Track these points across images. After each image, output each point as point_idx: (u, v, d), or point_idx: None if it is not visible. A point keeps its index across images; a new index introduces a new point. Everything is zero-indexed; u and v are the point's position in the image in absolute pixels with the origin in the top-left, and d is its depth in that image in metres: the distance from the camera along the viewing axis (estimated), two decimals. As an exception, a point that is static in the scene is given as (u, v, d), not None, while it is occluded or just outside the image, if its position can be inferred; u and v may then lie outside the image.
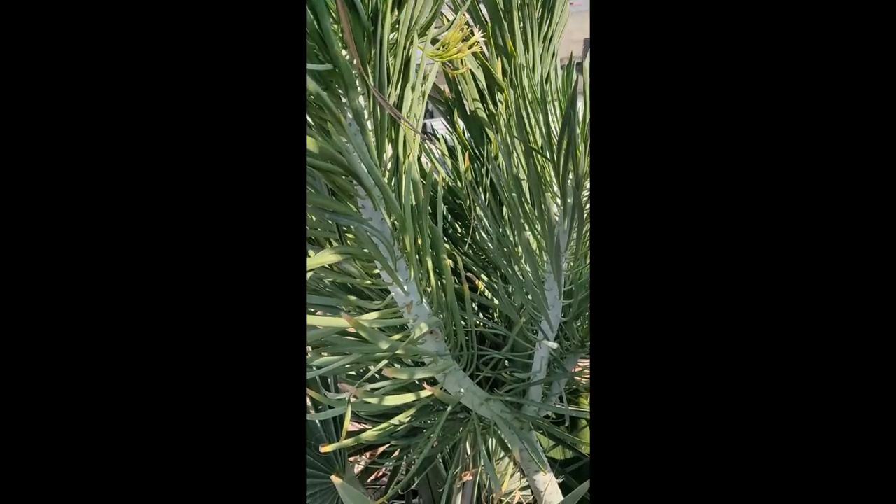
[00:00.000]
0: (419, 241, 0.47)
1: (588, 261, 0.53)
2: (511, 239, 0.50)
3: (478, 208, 0.58)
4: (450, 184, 0.59)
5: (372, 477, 1.08)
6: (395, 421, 0.52)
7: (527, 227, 0.46)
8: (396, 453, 0.82)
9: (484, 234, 0.56)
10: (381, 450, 0.90)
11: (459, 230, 0.61)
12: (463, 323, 0.55)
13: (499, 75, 0.52)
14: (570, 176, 0.41)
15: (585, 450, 1.00)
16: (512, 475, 0.96)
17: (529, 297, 0.51)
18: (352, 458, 0.96)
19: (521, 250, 0.49)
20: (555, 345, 0.49)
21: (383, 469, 1.08)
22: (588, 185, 0.46)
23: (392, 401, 0.43)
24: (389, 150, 0.44)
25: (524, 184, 0.50)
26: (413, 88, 0.44)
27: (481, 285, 0.58)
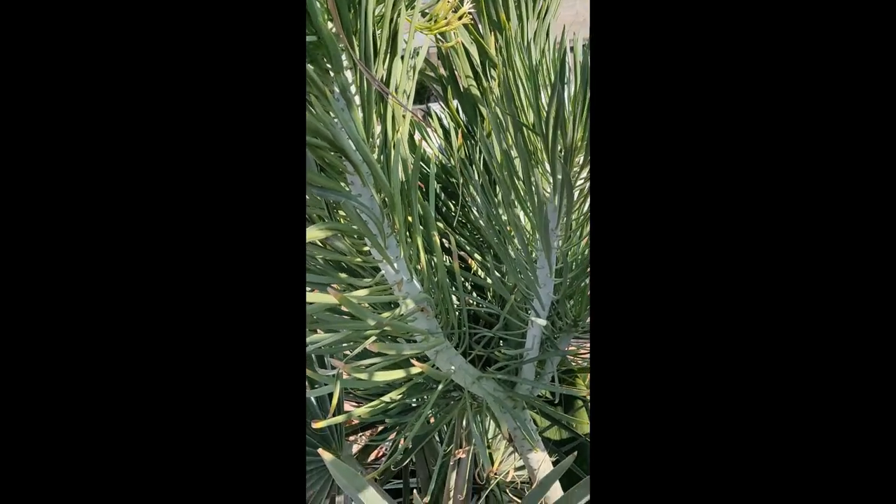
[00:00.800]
0: (409, 218, 0.47)
1: (580, 238, 0.53)
2: (503, 217, 0.50)
3: (470, 186, 0.58)
4: (443, 161, 0.58)
5: (372, 456, 1.10)
6: (386, 398, 0.52)
7: (517, 204, 0.46)
8: (394, 434, 0.83)
9: (476, 213, 0.55)
10: (379, 429, 0.91)
11: (453, 209, 0.61)
12: (455, 301, 0.55)
13: (492, 50, 0.51)
14: (560, 151, 0.41)
15: (581, 429, 1.01)
16: (509, 454, 0.97)
17: (521, 275, 0.51)
18: (352, 437, 0.97)
19: (511, 228, 0.48)
20: (544, 322, 0.49)
21: (382, 448, 1.09)
22: (579, 160, 0.45)
23: (382, 377, 0.44)
24: (378, 126, 0.43)
25: (516, 162, 0.50)
26: (403, 61, 0.43)
27: (474, 264, 0.58)
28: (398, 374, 0.45)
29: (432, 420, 0.70)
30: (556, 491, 0.71)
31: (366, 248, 0.46)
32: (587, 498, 0.47)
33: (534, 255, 0.51)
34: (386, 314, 0.44)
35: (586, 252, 0.55)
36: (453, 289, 0.52)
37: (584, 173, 0.47)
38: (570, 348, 0.70)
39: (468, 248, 0.60)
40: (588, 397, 1.00)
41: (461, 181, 0.60)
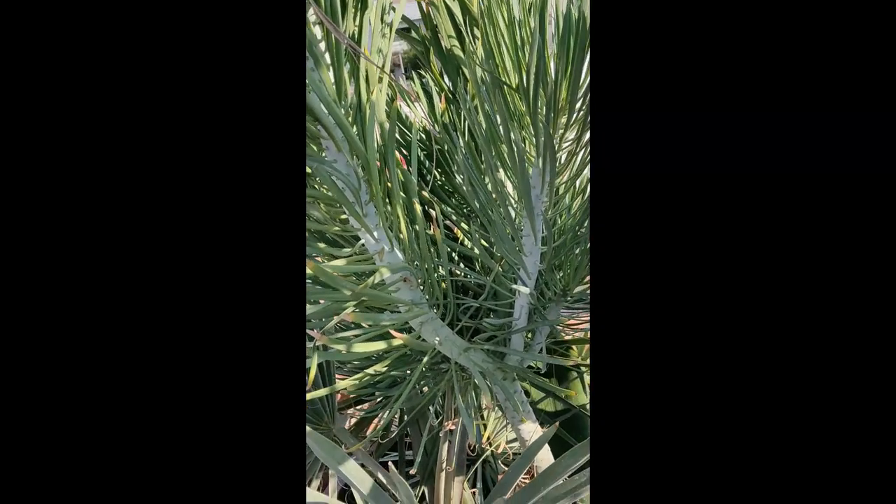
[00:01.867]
0: (389, 185, 0.46)
1: (567, 205, 0.51)
2: (487, 184, 0.48)
3: (455, 153, 0.56)
4: (426, 128, 0.56)
5: (369, 430, 1.10)
6: (370, 371, 0.51)
7: (500, 167, 0.44)
8: (388, 414, 0.83)
9: (460, 178, 0.54)
10: (376, 401, 0.91)
11: (439, 177, 0.59)
12: (440, 272, 0.53)
13: (474, 7, 0.49)
14: (541, 109, 0.39)
15: (575, 400, 1.01)
16: (503, 426, 0.97)
17: (505, 244, 0.49)
18: (349, 411, 0.97)
19: (496, 195, 0.47)
20: (528, 290, 0.48)
21: (376, 422, 1.09)
22: (563, 121, 0.43)
23: (361, 348, 0.43)
24: (352, 88, 0.41)
25: (501, 127, 0.48)
26: (382, 19, 0.41)
27: (460, 234, 0.57)
28: (378, 345, 0.44)
29: (425, 390, 0.69)
30: (548, 459, 0.71)
31: (343, 217, 0.45)
32: (579, 463, 0.47)
33: (519, 222, 0.49)
34: (367, 282, 0.42)
35: (573, 221, 0.53)
36: (438, 259, 0.50)
37: (571, 135, 0.45)
38: (566, 324, 0.69)
39: (454, 217, 0.58)
40: (581, 367, 0.99)
41: (445, 148, 0.58)
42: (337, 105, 0.37)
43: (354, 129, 0.41)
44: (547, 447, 0.77)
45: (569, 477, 0.54)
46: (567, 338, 0.97)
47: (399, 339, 0.40)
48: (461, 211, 0.60)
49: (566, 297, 0.59)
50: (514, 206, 0.49)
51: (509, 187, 0.49)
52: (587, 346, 1.00)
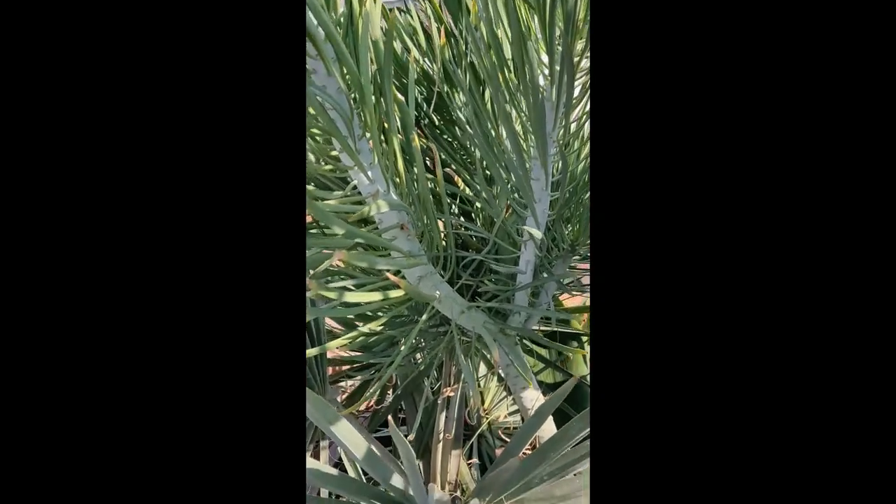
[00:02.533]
0: (385, 122, 0.41)
1: (579, 147, 0.47)
2: (492, 119, 0.44)
3: (456, 95, 0.52)
4: (424, 67, 0.52)
5: (363, 407, 1.06)
6: (365, 329, 0.47)
7: (508, 99, 0.40)
8: (384, 375, 0.79)
9: (464, 119, 0.49)
10: (365, 376, 0.87)
11: (437, 122, 0.54)
12: (441, 225, 0.49)
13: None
14: (559, 23, 0.35)
15: (576, 371, 0.98)
16: (500, 399, 0.94)
17: (513, 190, 0.45)
18: (342, 384, 0.93)
19: (503, 131, 0.42)
20: (539, 234, 0.44)
21: (372, 399, 1.06)
22: (580, 47, 0.39)
23: (354, 297, 0.38)
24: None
25: (507, 51, 0.43)
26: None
27: (461, 183, 0.52)
28: (374, 296, 0.39)
29: (420, 359, 0.66)
30: (549, 430, 0.67)
31: (334, 153, 0.40)
32: (585, 433, 0.43)
33: (528, 165, 0.45)
34: (363, 230, 0.38)
35: (584, 166, 0.49)
36: (438, 206, 0.46)
37: (585, 63, 0.41)
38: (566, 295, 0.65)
39: (454, 166, 0.54)
40: (583, 337, 0.96)
41: (445, 90, 0.53)
42: (325, 10, 0.32)
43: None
44: (550, 417, 0.74)
45: (576, 445, 0.50)
46: (567, 305, 0.94)
47: (396, 283, 0.36)
48: (461, 162, 0.56)
49: (574, 253, 0.55)
50: (523, 145, 0.44)
51: (517, 125, 0.44)
52: (586, 316, 0.97)
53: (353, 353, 0.73)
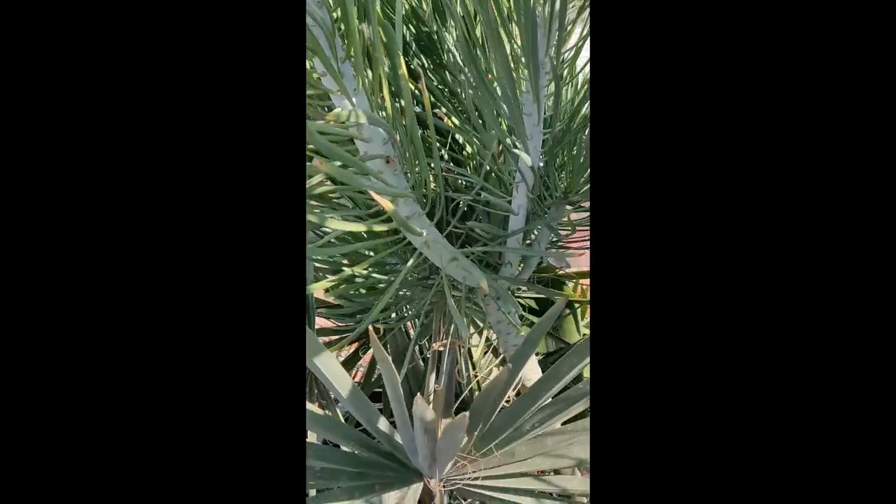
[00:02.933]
0: (370, 46, 0.39)
1: (571, 78, 0.46)
2: (483, 49, 0.42)
3: (447, 34, 0.50)
4: (412, 4, 0.50)
5: (355, 378, 1.05)
6: (349, 271, 0.45)
7: (500, 23, 0.38)
8: (370, 317, 0.77)
9: (453, 49, 0.47)
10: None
11: (427, 64, 0.53)
12: (430, 164, 0.47)
13: None
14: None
15: (568, 337, 0.97)
16: (489, 365, 0.93)
17: (504, 132, 0.43)
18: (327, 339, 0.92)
19: (493, 59, 0.41)
20: (530, 160, 0.42)
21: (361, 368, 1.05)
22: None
23: (336, 224, 0.37)
24: None
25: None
26: None
27: (450, 123, 0.50)
28: (357, 226, 0.38)
29: (408, 311, 0.64)
30: (534, 375, 0.66)
31: (316, 75, 0.38)
32: (580, 366, 0.42)
33: (520, 98, 0.43)
34: (341, 150, 0.36)
35: (580, 99, 0.47)
36: (427, 143, 0.44)
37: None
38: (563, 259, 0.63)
39: (442, 108, 0.52)
40: (575, 305, 0.95)
41: (434, 29, 0.51)
42: None
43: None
44: (538, 366, 0.73)
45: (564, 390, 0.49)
46: (561, 276, 0.92)
47: (383, 204, 0.34)
48: (452, 107, 0.54)
49: (567, 201, 0.53)
50: (515, 74, 0.43)
51: (507, 49, 0.42)
52: (581, 283, 0.96)
53: (342, 313, 0.71)
